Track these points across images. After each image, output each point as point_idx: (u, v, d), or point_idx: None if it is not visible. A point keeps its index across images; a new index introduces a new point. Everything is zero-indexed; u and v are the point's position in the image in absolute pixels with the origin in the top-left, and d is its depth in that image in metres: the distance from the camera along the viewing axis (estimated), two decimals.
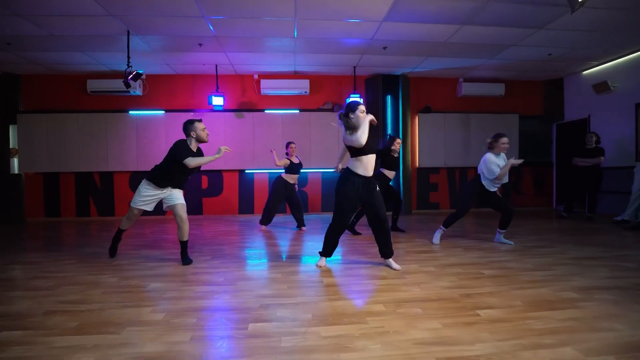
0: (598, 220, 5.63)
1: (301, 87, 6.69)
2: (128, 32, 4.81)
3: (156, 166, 3.37)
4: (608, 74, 6.28)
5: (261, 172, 6.97)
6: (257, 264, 3.32)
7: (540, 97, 7.62)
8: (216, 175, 6.91)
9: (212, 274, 2.96)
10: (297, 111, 6.91)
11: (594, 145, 5.70)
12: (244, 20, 4.54)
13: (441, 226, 4.12)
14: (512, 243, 3.99)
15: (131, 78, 4.74)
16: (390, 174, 4.82)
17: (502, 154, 4.00)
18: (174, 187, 3.35)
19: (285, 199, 5.22)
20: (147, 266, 3.24)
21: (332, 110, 6.97)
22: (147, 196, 3.31)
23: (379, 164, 4.68)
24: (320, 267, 3.12)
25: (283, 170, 5.21)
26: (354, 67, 6.53)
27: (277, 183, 5.14)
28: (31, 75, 6.57)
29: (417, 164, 7.23)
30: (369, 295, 2.42)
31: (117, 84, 6.26)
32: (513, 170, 7.47)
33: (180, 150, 3.16)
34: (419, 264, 3.19)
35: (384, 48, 5.56)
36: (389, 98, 6.96)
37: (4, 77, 6.45)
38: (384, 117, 6.97)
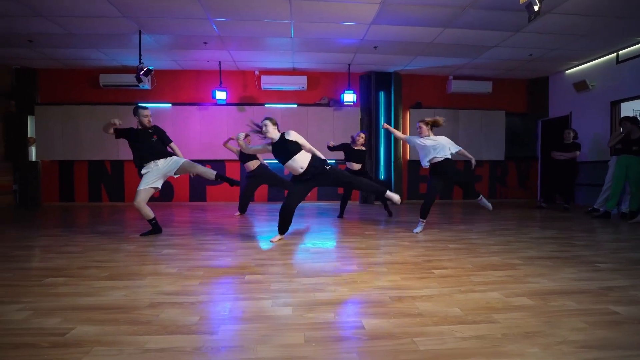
0: (574, 211, 6.08)
1: (299, 83, 7.13)
2: (140, 31, 5.27)
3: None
4: (587, 74, 6.69)
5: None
6: (255, 239, 3.81)
7: (526, 94, 8.03)
8: (219, 165, 7.39)
9: (216, 244, 3.45)
10: (295, 105, 7.35)
11: (572, 141, 6.15)
12: (245, 22, 4.98)
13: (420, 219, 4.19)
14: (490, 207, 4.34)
15: (143, 73, 5.20)
16: (356, 166, 5.15)
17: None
18: (152, 158, 3.72)
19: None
20: (159, 238, 3.72)
21: (328, 105, 7.42)
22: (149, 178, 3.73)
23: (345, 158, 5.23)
24: (273, 241, 3.53)
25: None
26: (348, 65, 6.97)
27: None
28: (48, 69, 7.04)
29: (407, 157, 7.68)
30: (347, 260, 2.89)
31: (128, 79, 6.73)
32: (498, 165, 7.93)
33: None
34: (396, 239, 3.67)
35: (375, 47, 5.99)
36: (381, 94, 7.40)
37: (22, 71, 6.92)
38: (377, 113, 7.41)
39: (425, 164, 4.16)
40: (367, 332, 1.62)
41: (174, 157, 3.84)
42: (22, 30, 5.17)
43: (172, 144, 3.98)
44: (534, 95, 7.95)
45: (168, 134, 4.08)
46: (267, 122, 3.45)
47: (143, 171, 3.75)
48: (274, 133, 3.47)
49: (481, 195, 4.32)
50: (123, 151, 7.15)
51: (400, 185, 7.51)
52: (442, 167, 4.08)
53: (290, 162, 3.41)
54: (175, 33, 5.38)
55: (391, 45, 5.86)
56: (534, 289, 2.20)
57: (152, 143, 3.76)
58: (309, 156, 3.48)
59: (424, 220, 4.18)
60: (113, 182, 7.27)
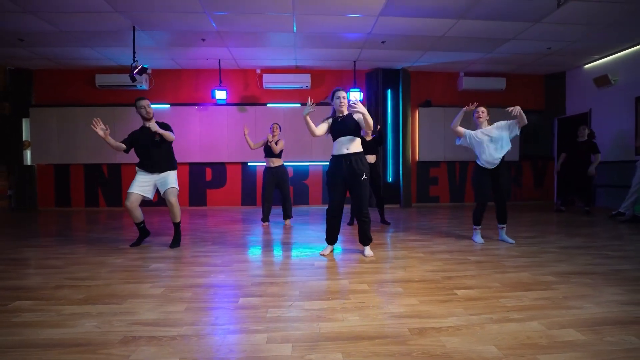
0: (596, 214, 5.67)
1: (303, 81, 6.81)
2: (134, 27, 4.99)
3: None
4: (609, 68, 6.28)
5: (263, 165, 7.12)
6: (253, 250, 3.49)
7: (542, 91, 7.62)
8: (220, 168, 7.10)
9: (211, 256, 3.13)
10: (299, 105, 7.04)
11: (586, 139, 5.69)
12: (244, 16, 4.68)
13: (474, 226, 3.75)
14: (514, 242, 3.64)
15: (137, 72, 4.92)
16: (370, 158, 4.73)
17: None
18: (153, 170, 3.50)
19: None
20: (151, 249, 3.42)
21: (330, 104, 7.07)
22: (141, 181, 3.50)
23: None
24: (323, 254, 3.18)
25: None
26: (354, 62, 6.63)
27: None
28: (42, 70, 6.81)
29: (417, 158, 7.32)
30: (355, 277, 2.56)
31: (125, 79, 6.46)
32: (513, 165, 7.53)
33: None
34: (408, 250, 3.32)
35: (383, 42, 5.65)
36: (389, 92, 7.05)
37: (17, 72, 6.70)
38: (384, 111, 7.06)
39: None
40: None
41: (170, 179, 3.54)
42: (11, 27, 4.93)
43: (170, 133, 3.57)
44: (550, 91, 7.55)
45: None
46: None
47: (138, 172, 3.53)
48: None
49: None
50: (120, 154, 6.90)
51: (409, 188, 7.15)
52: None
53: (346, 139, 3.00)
54: (171, 29, 5.09)
55: (400, 39, 5.51)
56: (580, 316, 1.85)
57: (155, 145, 3.48)
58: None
59: (477, 227, 3.72)
60: (110, 186, 7.01)
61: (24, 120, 6.81)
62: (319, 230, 4.36)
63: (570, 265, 2.81)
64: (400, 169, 7.06)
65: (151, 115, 3.49)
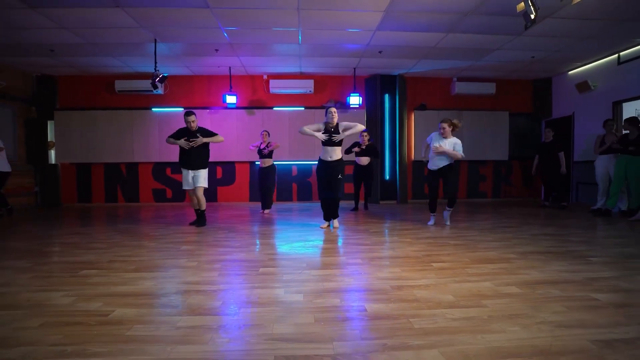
0: (576, 209, 6.20)
1: (306, 86, 7.37)
2: (155, 40, 5.55)
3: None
4: (589, 74, 6.80)
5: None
6: (265, 236, 4.04)
7: (530, 95, 8.15)
8: (229, 166, 7.66)
9: (230, 241, 3.69)
10: (303, 108, 7.59)
11: (552, 139, 6.47)
12: (255, 31, 5.23)
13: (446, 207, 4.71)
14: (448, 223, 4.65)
15: (158, 80, 5.48)
16: (364, 160, 6.19)
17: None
18: (188, 167, 4.59)
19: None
20: (176, 237, 3.99)
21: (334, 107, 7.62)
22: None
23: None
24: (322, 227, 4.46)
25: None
26: (354, 69, 7.18)
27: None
28: (66, 76, 7.39)
29: (412, 157, 7.86)
30: (352, 254, 3.10)
31: (142, 84, 7.04)
32: (503, 164, 8.06)
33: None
34: (399, 237, 3.87)
35: (380, 52, 6.20)
36: (386, 97, 7.59)
37: (43, 78, 7.28)
38: (382, 115, 7.61)
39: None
40: (369, 314, 1.83)
41: (201, 177, 4.56)
42: (46, 40, 5.49)
43: (218, 136, 4.75)
44: (538, 96, 8.07)
45: None
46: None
47: (183, 172, 4.66)
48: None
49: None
50: (138, 154, 7.48)
51: (405, 185, 7.69)
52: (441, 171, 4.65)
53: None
54: (188, 41, 5.65)
55: (395, 49, 6.05)
56: (524, 279, 2.39)
57: (197, 148, 4.51)
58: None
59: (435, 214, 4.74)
60: (128, 183, 7.58)
61: (49, 122, 7.39)
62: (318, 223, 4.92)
63: (533, 247, 3.35)
64: (397, 167, 7.60)
65: (195, 128, 4.55)
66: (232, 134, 7.49)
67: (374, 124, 7.56)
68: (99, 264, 2.81)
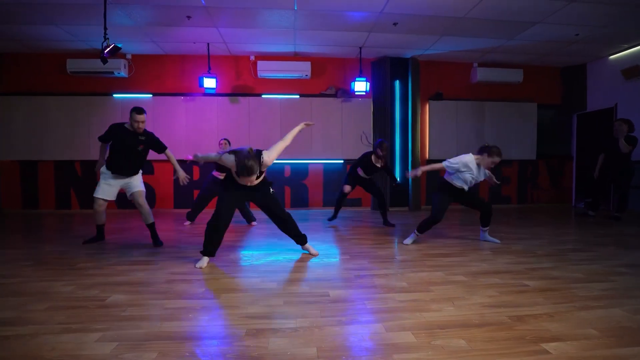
0: (627, 220, 5.09)
1: (302, 70, 6.11)
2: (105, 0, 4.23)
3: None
4: (639, 57, 5.71)
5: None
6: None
7: (558, 85, 7.05)
8: (209, 165, 6.35)
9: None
10: (297, 96, 6.34)
11: (626, 134, 5.06)
12: None
13: (415, 230, 3.58)
14: (499, 241, 3.61)
15: (108, 52, 4.16)
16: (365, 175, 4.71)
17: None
18: (125, 174, 3.43)
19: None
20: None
21: (335, 95, 6.40)
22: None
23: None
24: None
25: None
26: (360, 48, 5.95)
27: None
28: (7, 54, 5.99)
29: (427, 156, 6.67)
30: (391, 318, 1.84)
31: (100, 64, 5.66)
32: (529, 164, 6.96)
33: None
34: (443, 270, 2.64)
35: (395, 24, 4.99)
36: (397, 83, 6.40)
37: None
38: (392, 104, 6.41)
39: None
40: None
41: (135, 181, 3.47)
42: None
43: (167, 151, 3.58)
44: (568, 85, 6.98)
45: (148, 129, 3.55)
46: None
47: (105, 175, 3.44)
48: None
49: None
50: (96, 149, 6.10)
51: (419, 188, 6.52)
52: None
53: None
54: (150, 3, 4.35)
55: (415, 20, 4.85)
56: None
57: (136, 154, 3.41)
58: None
59: (420, 235, 3.60)
60: (84, 185, 6.21)
61: None
62: (317, 235, 3.70)
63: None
64: (409, 168, 6.41)
65: (141, 130, 3.38)
66: (212, 125, 6.20)
67: (382, 115, 6.35)
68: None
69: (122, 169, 3.39)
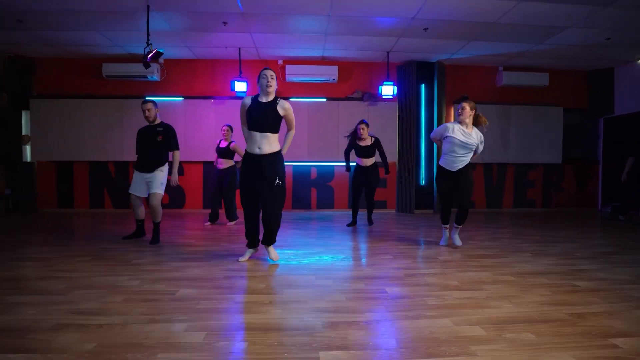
0: None
1: (329, 74, 6.22)
2: (148, 7, 4.40)
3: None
4: None
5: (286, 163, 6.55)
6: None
7: (585, 88, 7.01)
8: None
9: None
10: (324, 100, 6.45)
11: None
12: None
13: (442, 225, 3.63)
14: (461, 244, 3.55)
15: (151, 57, 4.33)
16: (367, 161, 4.66)
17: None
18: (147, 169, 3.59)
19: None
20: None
21: (361, 99, 6.49)
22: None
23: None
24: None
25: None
26: (387, 53, 6.04)
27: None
28: (45, 58, 6.23)
29: None
30: (455, 314, 1.90)
31: (134, 68, 5.90)
32: (554, 168, 6.93)
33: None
34: (489, 271, 2.70)
35: (425, 29, 5.06)
36: (422, 87, 6.45)
37: (16, 60, 6.11)
38: (417, 108, 6.46)
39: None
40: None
41: (155, 181, 3.57)
42: (9, 6, 4.34)
43: (176, 152, 3.70)
44: (596, 89, 6.94)
45: (178, 131, 3.76)
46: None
47: (135, 173, 3.69)
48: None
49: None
50: (129, 151, 6.30)
51: None
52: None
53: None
54: (189, 9, 4.50)
55: (445, 25, 4.91)
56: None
57: (154, 145, 3.59)
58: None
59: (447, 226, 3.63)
60: (117, 186, 6.40)
61: (23, 112, 6.23)
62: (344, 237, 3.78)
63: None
64: (434, 171, 6.43)
65: (152, 119, 3.61)
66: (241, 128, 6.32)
67: (408, 118, 6.41)
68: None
69: (142, 164, 3.60)
